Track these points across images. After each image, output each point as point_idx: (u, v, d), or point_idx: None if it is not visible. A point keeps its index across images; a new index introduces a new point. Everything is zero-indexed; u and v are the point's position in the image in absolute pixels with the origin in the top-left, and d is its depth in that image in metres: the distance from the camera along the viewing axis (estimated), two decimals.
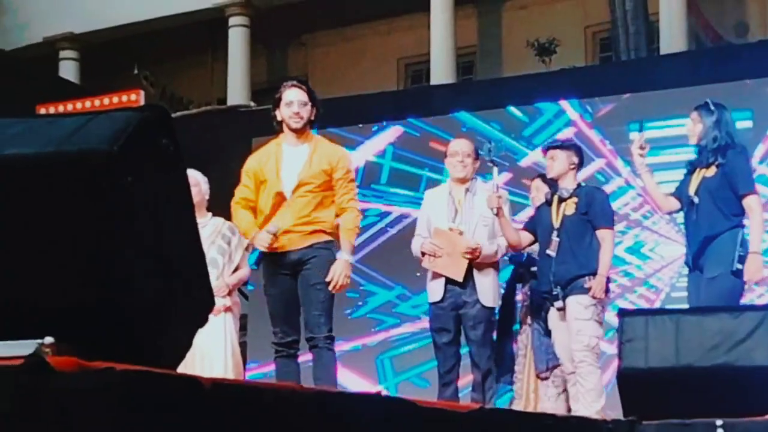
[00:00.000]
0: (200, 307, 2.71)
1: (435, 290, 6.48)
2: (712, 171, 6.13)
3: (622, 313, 5.18)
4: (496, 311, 6.61)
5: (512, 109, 10.61)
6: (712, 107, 6.27)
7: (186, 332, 2.65)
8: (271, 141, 5.90)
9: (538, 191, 7.15)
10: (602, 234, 6.50)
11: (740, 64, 9.87)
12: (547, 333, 6.78)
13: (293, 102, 5.76)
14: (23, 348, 2.27)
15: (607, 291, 6.53)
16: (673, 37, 12.17)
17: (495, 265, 6.54)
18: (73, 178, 2.37)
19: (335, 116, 11.26)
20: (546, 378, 6.93)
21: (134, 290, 2.45)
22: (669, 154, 8.75)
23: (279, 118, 5.80)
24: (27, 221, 2.41)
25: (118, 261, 2.42)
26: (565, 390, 6.83)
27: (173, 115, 11.62)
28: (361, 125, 11.25)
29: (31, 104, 12.12)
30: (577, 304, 6.37)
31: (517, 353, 7.09)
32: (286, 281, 5.69)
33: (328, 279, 5.55)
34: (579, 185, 6.69)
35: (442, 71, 13.52)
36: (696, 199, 6.12)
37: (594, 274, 6.38)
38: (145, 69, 14.45)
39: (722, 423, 4.34)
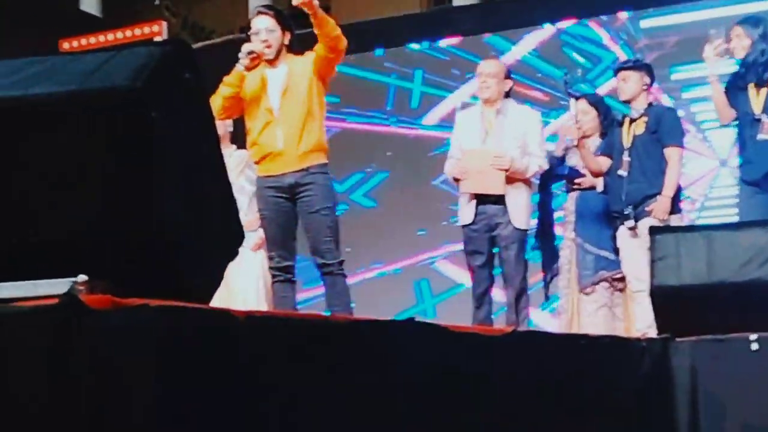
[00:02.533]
0: (231, 240, 2.71)
1: (466, 212, 6.44)
2: None
3: (653, 231, 5.15)
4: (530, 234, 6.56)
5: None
6: (757, 20, 6.17)
7: (217, 265, 2.66)
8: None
9: (585, 114, 7.07)
10: (669, 152, 6.41)
11: None
12: (608, 250, 6.76)
13: (260, 30, 5.65)
14: (58, 287, 2.28)
15: (676, 211, 6.46)
16: None
17: (527, 184, 6.46)
18: (98, 115, 2.37)
19: (357, 41, 11.20)
20: (589, 293, 6.93)
21: (165, 225, 2.45)
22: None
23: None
24: (54, 160, 2.41)
25: (147, 196, 2.42)
26: (604, 306, 6.83)
27: (196, 45, 11.55)
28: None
29: (54, 38, 12.09)
30: (651, 223, 6.32)
31: (561, 268, 7.09)
32: (283, 205, 5.61)
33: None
34: (650, 104, 6.61)
35: None
36: (765, 118, 6.03)
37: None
38: None
39: (756, 337, 4.34)
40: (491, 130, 6.45)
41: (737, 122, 6.27)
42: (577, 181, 6.97)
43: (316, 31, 5.48)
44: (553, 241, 7.13)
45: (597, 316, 6.83)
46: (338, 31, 5.52)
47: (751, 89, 6.13)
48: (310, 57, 5.62)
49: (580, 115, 7.16)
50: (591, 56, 10.32)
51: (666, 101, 9.29)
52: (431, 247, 10.87)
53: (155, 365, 2.01)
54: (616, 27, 9.81)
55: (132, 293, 2.17)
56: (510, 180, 6.33)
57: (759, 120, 6.06)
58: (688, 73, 9.45)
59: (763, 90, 6.09)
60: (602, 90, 9.49)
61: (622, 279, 6.83)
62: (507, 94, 6.58)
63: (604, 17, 10.04)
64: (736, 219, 6.77)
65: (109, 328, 2.00)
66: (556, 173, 7.12)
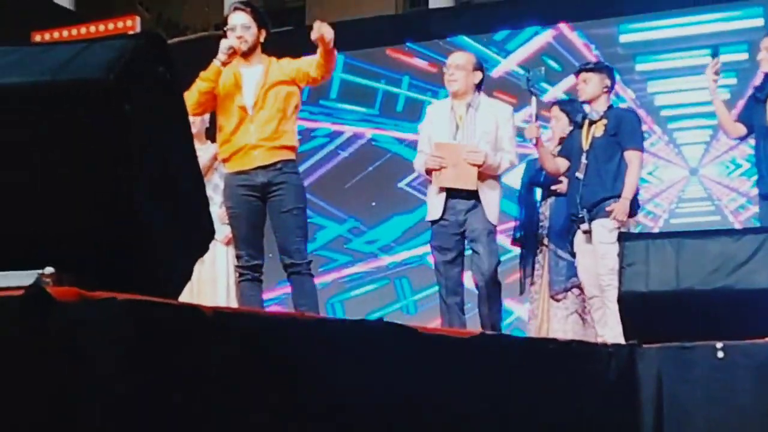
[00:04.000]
0: (202, 235, 2.70)
1: (434, 207, 6.31)
2: None
3: (623, 238, 5.17)
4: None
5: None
6: None
7: (187, 261, 2.65)
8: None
9: (558, 120, 7.10)
10: (629, 155, 6.43)
11: None
12: (570, 254, 6.79)
13: (236, 26, 5.66)
14: (24, 278, 2.26)
15: (633, 214, 6.47)
16: None
17: (496, 180, 6.34)
18: (70, 107, 2.35)
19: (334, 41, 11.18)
20: (560, 300, 6.95)
21: (136, 218, 2.43)
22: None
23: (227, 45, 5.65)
24: (24, 152, 2.39)
25: (119, 189, 2.41)
26: (574, 312, 6.85)
27: (170, 41, 11.46)
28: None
29: (27, 31, 12.01)
30: (601, 227, 6.33)
31: (534, 273, 7.11)
32: (253, 203, 5.60)
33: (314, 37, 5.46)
34: (610, 107, 6.61)
35: None
36: None
37: (620, 196, 6.33)
38: None
39: (722, 346, 4.36)
40: (462, 125, 6.34)
41: (755, 135, 6.27)
42: (553, 187, 7.00)
43: (318, 59, 5.52)
44: (535, 247, 7.14)
45: (567, 323, 6.86)
46: (335, 64, 5.63)
47: None
48: (293, 65, 5.66)
49: (553, 121, 7.19)
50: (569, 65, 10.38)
51: (630, 95, 9.36)
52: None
53: (123, 359, 2.00)
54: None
55: (100, 287, 2.15)
56: (482, 176, 6.22)
57: None
58: (654, 64, 9.46)
59: None
60: (561, 89, 9.57)
61: None
62: (478, 87, 6.45)
63: (583, 35, 10.08)
64: (706, 227, 6.82)
65: (76, 320, 1.99)
66: (534, 181, 7.16)
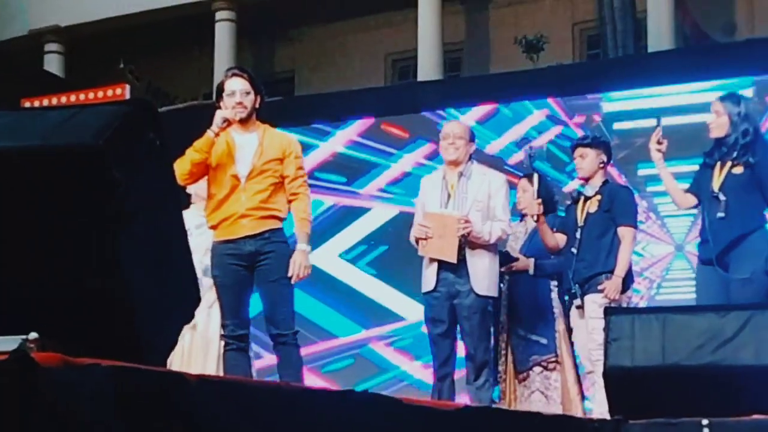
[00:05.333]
0: (188, 302, 2.69)
1: (428, 279, 6.24)
2: (739, 168, 5.95)
3: (608, 312, 5.16)
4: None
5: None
6: (738, 98, 6.11)
7: (174, 327, 2.64)
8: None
9: (525, 192, 7.11)
10: (623, 232, 6.38)
11: (728, 63, 9.88)
12: (527, 331, 6.78)
13: (235, 92, 5.62)
14: (8, 343, 2.25)
15: (625, 290, 6.42)
16: (660, 35, 12.19)
17: (490, 250, 6.25)
18: (60, 171, 2.35)
19: (322, 112, 11.28)
20: (522, 380, 6.92)
21: (124, 285, 2.43)
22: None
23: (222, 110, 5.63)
24: (14, 215, 2.38)
25: (106, 255, 2.40)
26: (536, 391, 6.81)
27: (159, 110, 11.54)
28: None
29: (16, 98, 12.06)
30: (592, 302, 6.30)
31: (500, 353, 7.05)
32: (241, 273, 5.54)
33: (289, 274, 5.47)
34: (605, 182, 6.61)
35: (429, 67, 13.51)
36: (722, 196, 5.94)
37: (612, 272, 6.32)
38: (130, 63, 14.38)
39: (708, 422, 4.33)
40: (453, 193, 6.29)
41: (702, 201, 6.17)
42: (512, 265, 6.98)
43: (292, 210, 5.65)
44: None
45: (530, 401, 6.81)
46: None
47: (717, 167, 6.03)
48: (291, 148, 5.65)
49: (520, 192, 7.20)
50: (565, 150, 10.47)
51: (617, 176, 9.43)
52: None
53: (105, 425, 1.98)
54: (591, 127, 9.88)
55: (86, 353, 2.14)
56: (473, 245, 6.16)
57: (717, 197, 5.97)
58: (654, 170, 9.65)
59: (726, 167, 5.99)
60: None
61: (557, 362, 6.83)
62: (470, 157, 6.42)
63: (578, 118, 10.17)
64: (692, 302, 6.79)
65: (59, 386, 1.97)
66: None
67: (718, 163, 6.04)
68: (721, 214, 5.93)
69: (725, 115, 6.06)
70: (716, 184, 5.98)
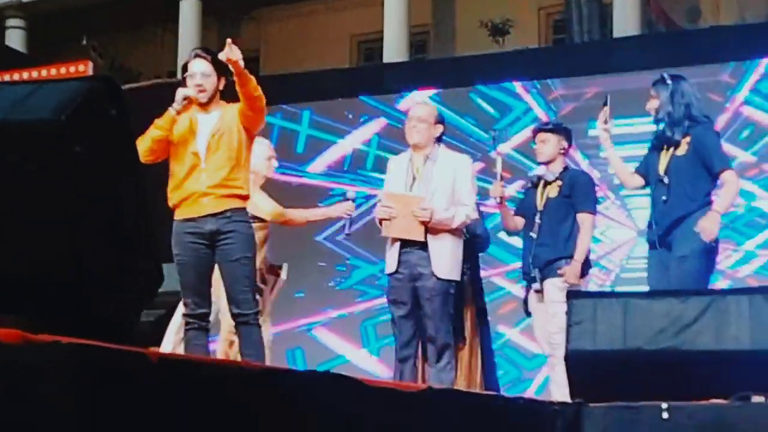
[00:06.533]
0: (150, 280, 2.67)
1: (390, 259, 6.22)
2: (682, 149, 6.03)
3: (571, 296, 5.19)
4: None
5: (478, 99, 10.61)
6: (668, 80, 6.16)
7: (136, 306, 2.62)
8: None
9: (543, 143, 7.05)
10: (582, 218, 6.48)
11: (691, 50, 9.92)
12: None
13: (196, 74, 5.59)
14: None
15: (584, 275, 6.49)
16: (626, 21, 12.22)
17: (453, 234, 6.17)
18: (20, 147, 2.33)
19: (287, 93, 11.24)
20: None
21: (85, 262, 2.40)
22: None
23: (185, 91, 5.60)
24: None
25: (68, 231, 2.38)
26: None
27: (123, 87, 11.48)
28: (351, 116, 11.24)
29: None
30: (553, 286, 6.36)
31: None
32: (202, 251, 5.51)
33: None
34: (565, 168, 6.66)
35: (395, 49, 13.48)
36: (666, 179, 6.03)
37: (572, 257, 6.37)
38: (93, 40, 14.26)
39: (667, 406, 4.37)
40: (419, 176, 6.25)
41: (650, 183, 6.27)
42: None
43: (237, 89, 5.45)
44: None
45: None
46: (259, 91, 5.48)
47: (663, 150, 6.13)
48: (236, 108, 5.59)
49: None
50: (501, 106, 10.49)
51: (580, 159, 9.45)
52: (310, 312, 10.93)
53: (65, 402, 1.96)
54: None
55: (45, 330, 2.12)
56: (434, 230, 6.10)
57: (662, 180, 6.07)
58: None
59: (670, 151, 6.08)
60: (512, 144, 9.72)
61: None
62: (438, 140, 6.35)
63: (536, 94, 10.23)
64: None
65: (18, 363, 1.95)
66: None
67: (665, 147, 6.14)
68: (664, 197, 6.03)
69: (656, 98, 6.20)
70: (662, 167, 6.09)
